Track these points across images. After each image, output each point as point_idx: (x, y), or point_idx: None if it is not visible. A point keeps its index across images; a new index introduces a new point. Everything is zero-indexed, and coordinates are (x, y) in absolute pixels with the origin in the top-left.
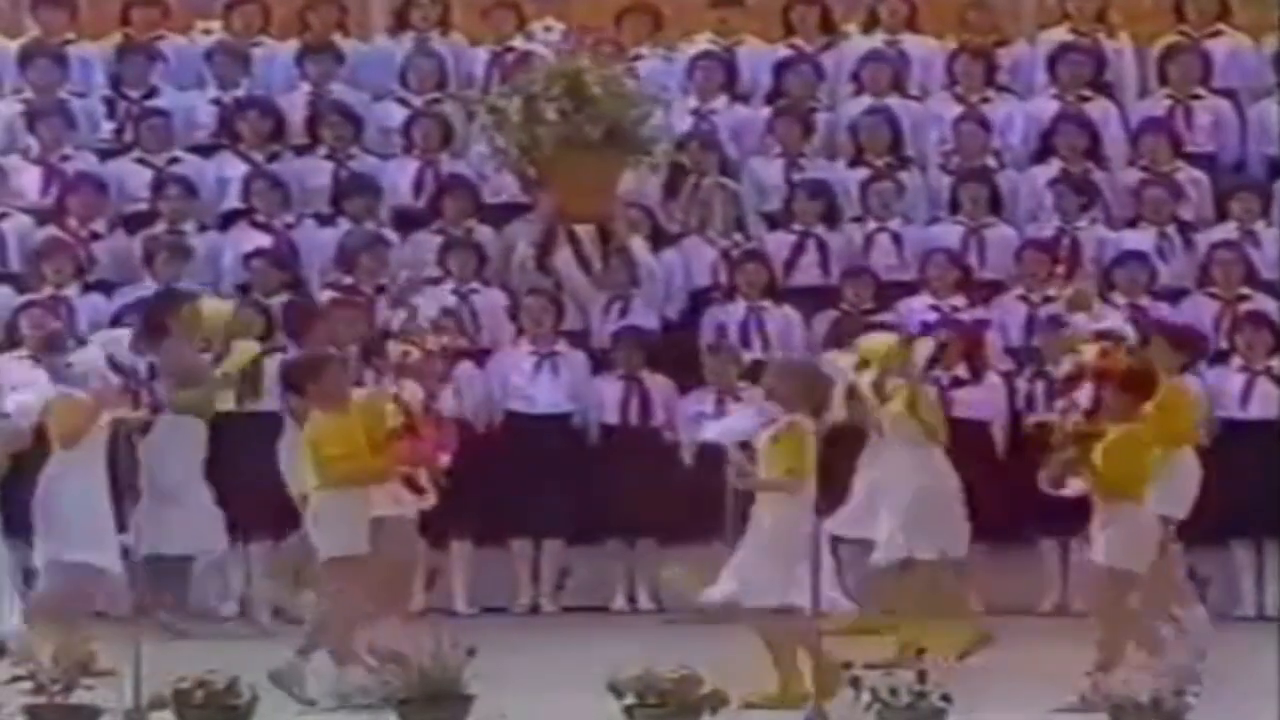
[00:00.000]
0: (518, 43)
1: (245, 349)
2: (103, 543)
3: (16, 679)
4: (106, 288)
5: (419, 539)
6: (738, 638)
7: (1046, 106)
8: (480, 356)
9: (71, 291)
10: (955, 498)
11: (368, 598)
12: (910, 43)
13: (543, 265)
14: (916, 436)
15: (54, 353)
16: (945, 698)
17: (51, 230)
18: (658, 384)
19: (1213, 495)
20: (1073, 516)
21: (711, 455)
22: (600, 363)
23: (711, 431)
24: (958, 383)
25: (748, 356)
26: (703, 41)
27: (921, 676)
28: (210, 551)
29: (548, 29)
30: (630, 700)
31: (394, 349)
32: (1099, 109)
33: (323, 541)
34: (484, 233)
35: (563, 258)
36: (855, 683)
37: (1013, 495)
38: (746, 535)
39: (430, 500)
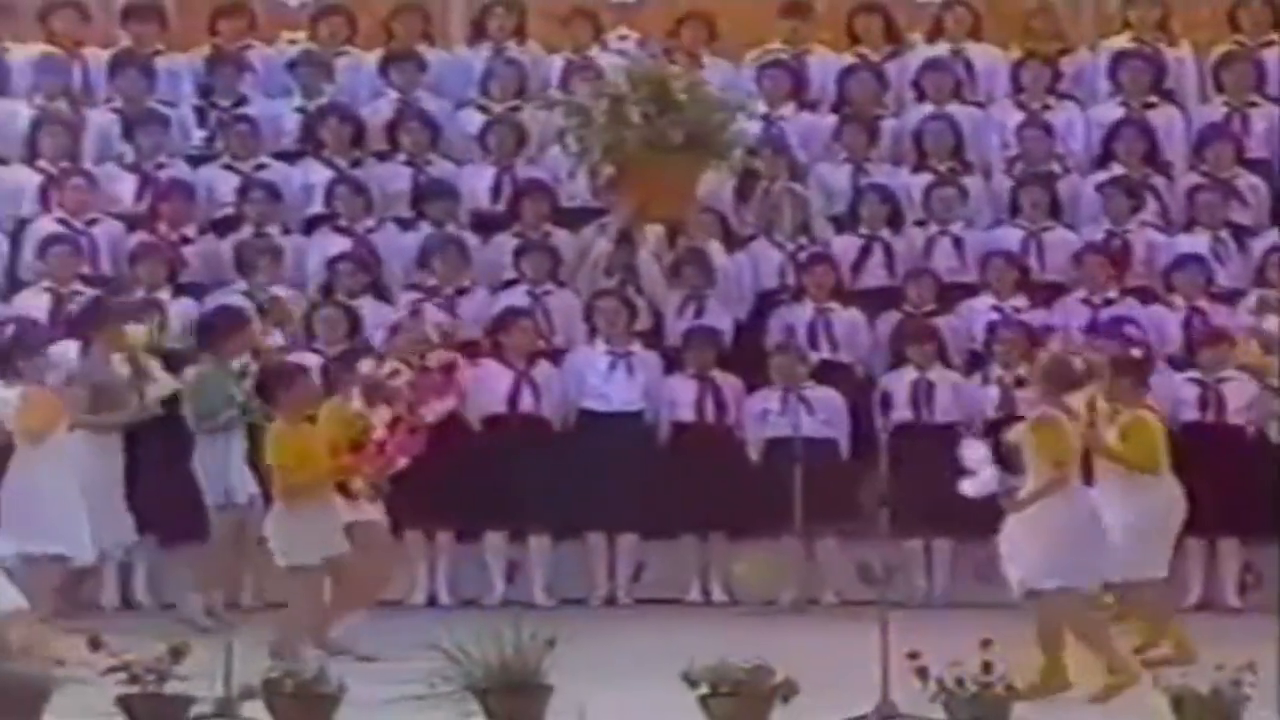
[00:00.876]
0: (594, 51)
1: (166, 385)
2: (75, 534)
3: (112, 670)
4: (197, 290)
5: (390, 540)
6: (809, 630)
7: (1108, 113)
8: (556, 356)
9: (164, 294)
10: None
11: (337, 597)
12: (974, 50)
13: (615, 266)
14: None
15: (32, 354)
16: (1010, 689)
17: (143, 235)
18: (729, 383)
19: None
20: None
21: (780, 453)
22: (673, 362)
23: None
24: (1022, 383)
25: (814, 357)
26: (773, 49)
27: (987, 667)
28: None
29: (622, 37)
30: (704, 690)
31: (370, 365)
32: (1161, 115)
33: (277, 550)
34: (559, 236)
35: (642, 258)
36: (922, 672)
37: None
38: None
39: (369, 507)
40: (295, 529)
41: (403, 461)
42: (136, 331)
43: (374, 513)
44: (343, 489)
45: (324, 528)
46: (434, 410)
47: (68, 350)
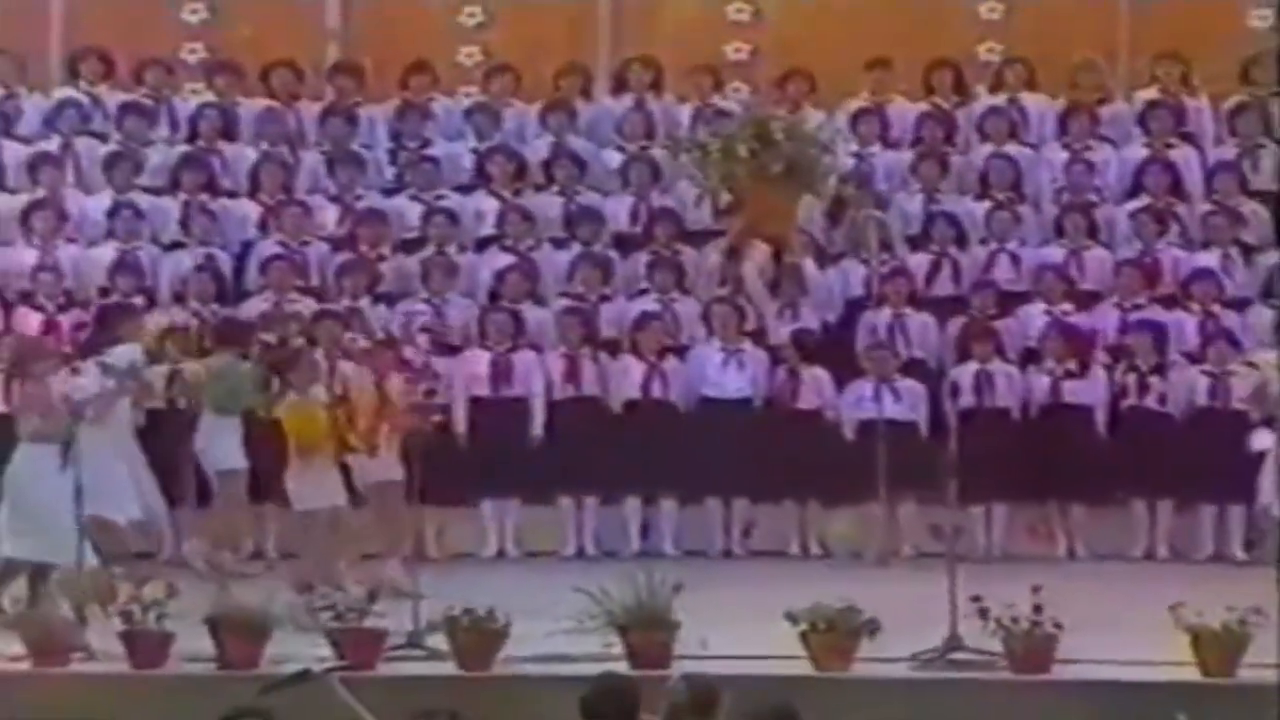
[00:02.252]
0: (716, 99)
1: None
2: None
3: (323, 608)
4: (389, 299)
5: (403, 500)
6: (889, 579)
7: (1138, 152)
8: (681, 352)
9: (363, 302)
10: None
11: (360, 543)
12: (1028, 100)
13: (729, 277)
14: None
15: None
16: (1057, 625)
17: (347, 254)
18: (821, 376)
19: None
20: (1155, 482)
21: (869, 432)
22: (773, 356)
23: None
24: (1069, 375)
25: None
26: (861, 99)
27: (1037, 609)
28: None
29: (736, 89)
30: (804, 627)
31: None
32: (1181, 155)
33: (294, 498)
34: (685, 253)
35: (749, 270)
36: (984, 613)
37: (1110, 464)
38: None
39: (389, 468)
40: (304, 481)
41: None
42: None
43: (394, 474)
44: (343, 444)
45: (326, 481)
46: (397, 386)
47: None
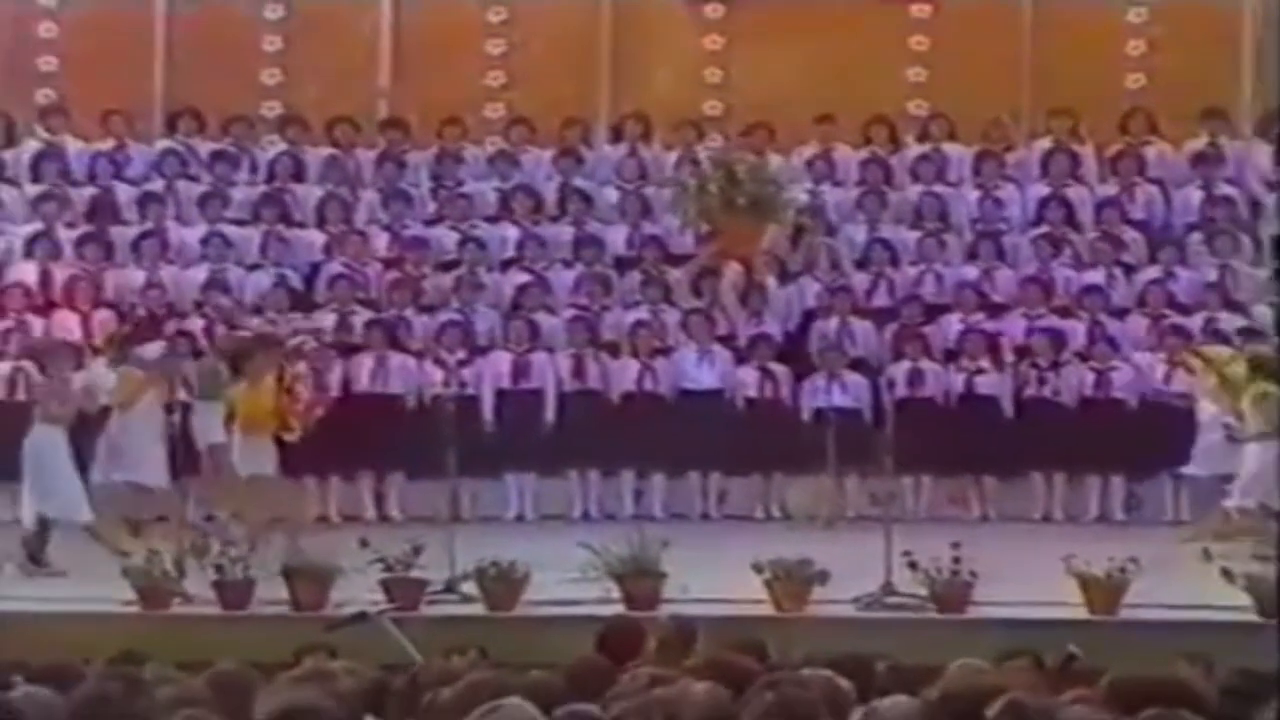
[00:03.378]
0: (696, 148)
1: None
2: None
3: (374, 561)
4: (430, 309)
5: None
6: (837, 537)
7: (1038, 191)
8: (667, 353)
9: (409, 312)
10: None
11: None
12: (949, 148)
13: (701, 291)
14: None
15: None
16: (973, 574)
17: (395, 273)
18: (782, 372)
19: None
20: (1051, 458)
21: (819, 418)
22: (742, 357)
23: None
24: (981, 371)
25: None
26: (813, 147)
27: (956, 560)
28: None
29: (713, 139)
30: (767, 576)
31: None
32: (1074, 193)
33: (240, 466)
34: (671, 273)
35: (724, 286)
36: (913, 565)
37: (1015, 443)
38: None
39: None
40: (248, 451)
41: (319, 411)
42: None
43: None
44: (284, 425)
45: (264, 453)
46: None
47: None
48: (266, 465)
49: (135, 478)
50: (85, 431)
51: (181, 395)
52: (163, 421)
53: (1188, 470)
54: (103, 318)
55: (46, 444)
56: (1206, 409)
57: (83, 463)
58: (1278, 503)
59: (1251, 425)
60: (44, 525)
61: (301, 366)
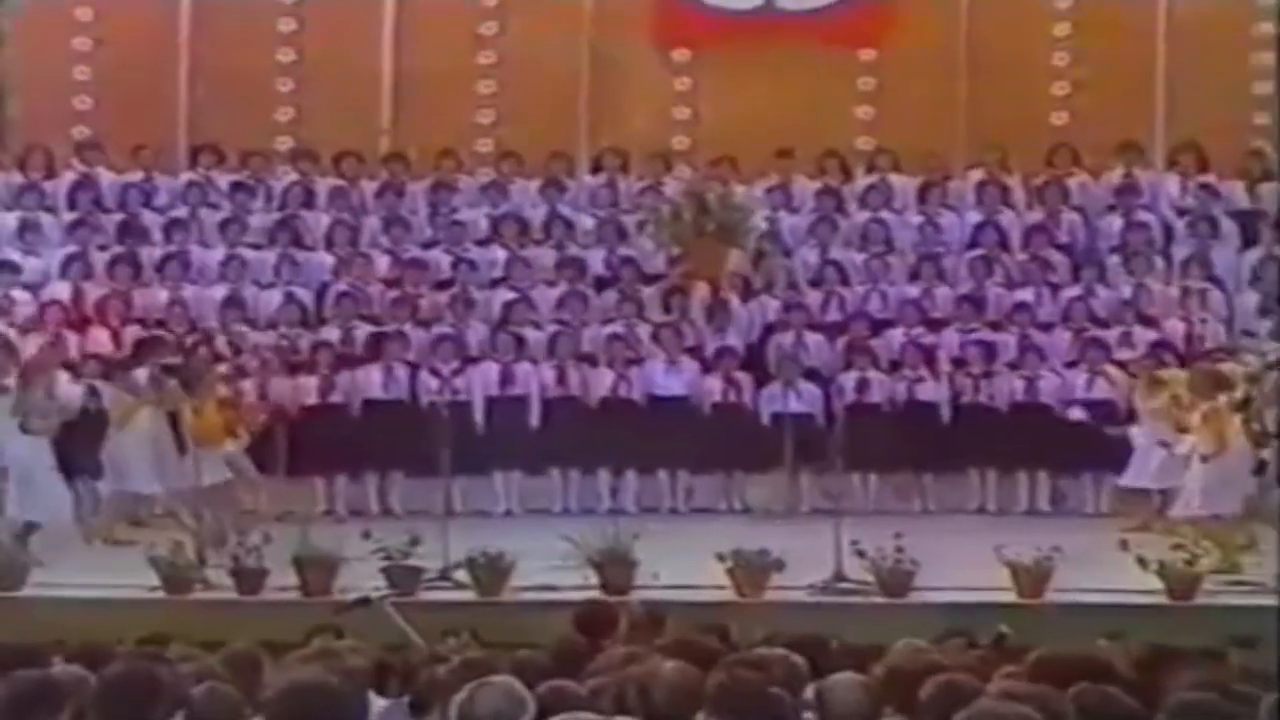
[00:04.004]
0: (666, 179)
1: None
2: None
3: (376, 551)
4: (427, 324)
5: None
6: (793, 529)
7: (973, 218)
8: (641, 362)
9: (408, 326)
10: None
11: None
12: (894, 180)
13: (671, 307)
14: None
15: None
16: (914, 562)
17: (395, 291)
18: (743, 380)
19: None
20: (985, 457)
21: (777, 421)
22: (707, 367)
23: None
24: (921, 380)
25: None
26: (772, 178)
27: (899, 550)
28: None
29: (681, 169)
30: (729, 564)
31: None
32: (1005, 218)
33: (206, 478)
34: (645, 291)
35: (694, 303)
36: (861, 554)
37: (952, 444)
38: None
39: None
40: (206, 463)
41: (262, 417)
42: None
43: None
44: (231, 431)
45: (217, 462)
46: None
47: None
48: (222, 473)
49: (131, 487)
50: (85, 443)
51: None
52: (167, 433)
53: (1127, 482)
54: (132, 332)
55: (30, 454)
56: (1150, 426)
57: (73, 469)
58: (1231, 509)
59: (1202, 441)
60: (29, 527)
61: (246, 383)
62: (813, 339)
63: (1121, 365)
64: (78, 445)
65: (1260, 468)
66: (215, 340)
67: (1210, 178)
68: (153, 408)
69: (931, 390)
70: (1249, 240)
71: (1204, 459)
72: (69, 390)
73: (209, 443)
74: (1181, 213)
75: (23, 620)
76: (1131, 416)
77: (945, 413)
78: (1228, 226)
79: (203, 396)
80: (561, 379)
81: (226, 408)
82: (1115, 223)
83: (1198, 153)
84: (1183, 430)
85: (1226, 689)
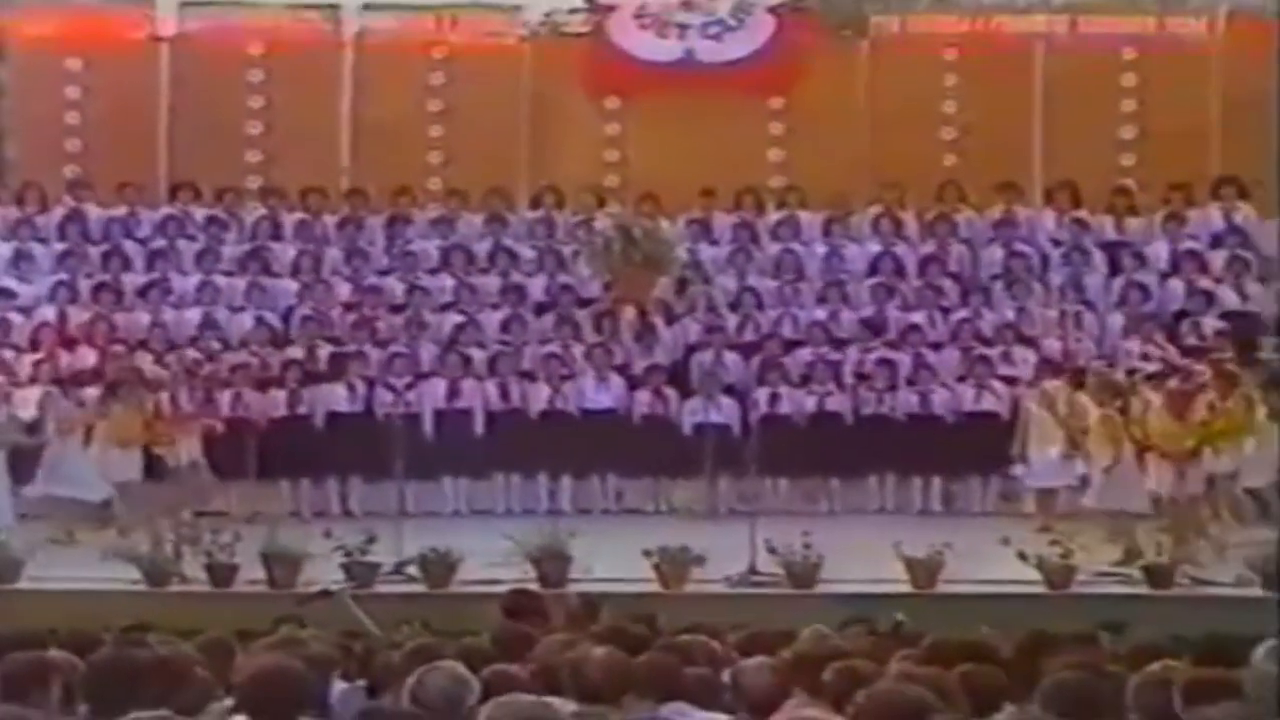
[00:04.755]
0: (598, 214)
1: None
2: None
3: (336, 548)
4: (384, 344)
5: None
6: (713, 527)
7: (873, 249)
8: (575, 378)
9: (366, 346)
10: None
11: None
12: (803, 215)
13: (603, 329)
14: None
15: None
16: (820, 556)
17: (355, 315)
18: (669, 394)
19: None
20: (885, 463)
21: (699, 432)
22: (635, 382)
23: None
24: (828, 394)
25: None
26: (694, 213)
27: (807, 546)
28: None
29: (611, 206)
30: (656, 560)
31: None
32: (901, 249)
33: (113, 475)
34: (580, 314)
35: (624, 325)
36: (772, 550)
37: (855, 450)
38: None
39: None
40: (119, 461)
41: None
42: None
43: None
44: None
45: (130, 463)
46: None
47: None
48: (132, 473)
49: (73, 493)
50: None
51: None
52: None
53: (1032, 482)
54: (115, 351)
55: None
56: (1046, 432)
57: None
58: (1135, 506)
59: (1099, 452)
60: None
61: (177, 394)
62: (730, 357)
63: (1008, 380)
64: (22, 454)
65: None
66: (186, 355)
67: (1082, 213)
68: (99, 421)
69: (837, 403)
70: (1115, 268)
71: (1106, 470)
72: (24, 407)
73: (124, 443)
74: (1056, 244)
75: (18, 610)
76: (1012, 425)
77: (849, 422)
78: (1097, 256)
79: (127, 403)
80: (504, 393)
81: (153, 418)
82: (998, 253)
83: (1071, 191)
84: (1076, 437)
85: (1098, 669)
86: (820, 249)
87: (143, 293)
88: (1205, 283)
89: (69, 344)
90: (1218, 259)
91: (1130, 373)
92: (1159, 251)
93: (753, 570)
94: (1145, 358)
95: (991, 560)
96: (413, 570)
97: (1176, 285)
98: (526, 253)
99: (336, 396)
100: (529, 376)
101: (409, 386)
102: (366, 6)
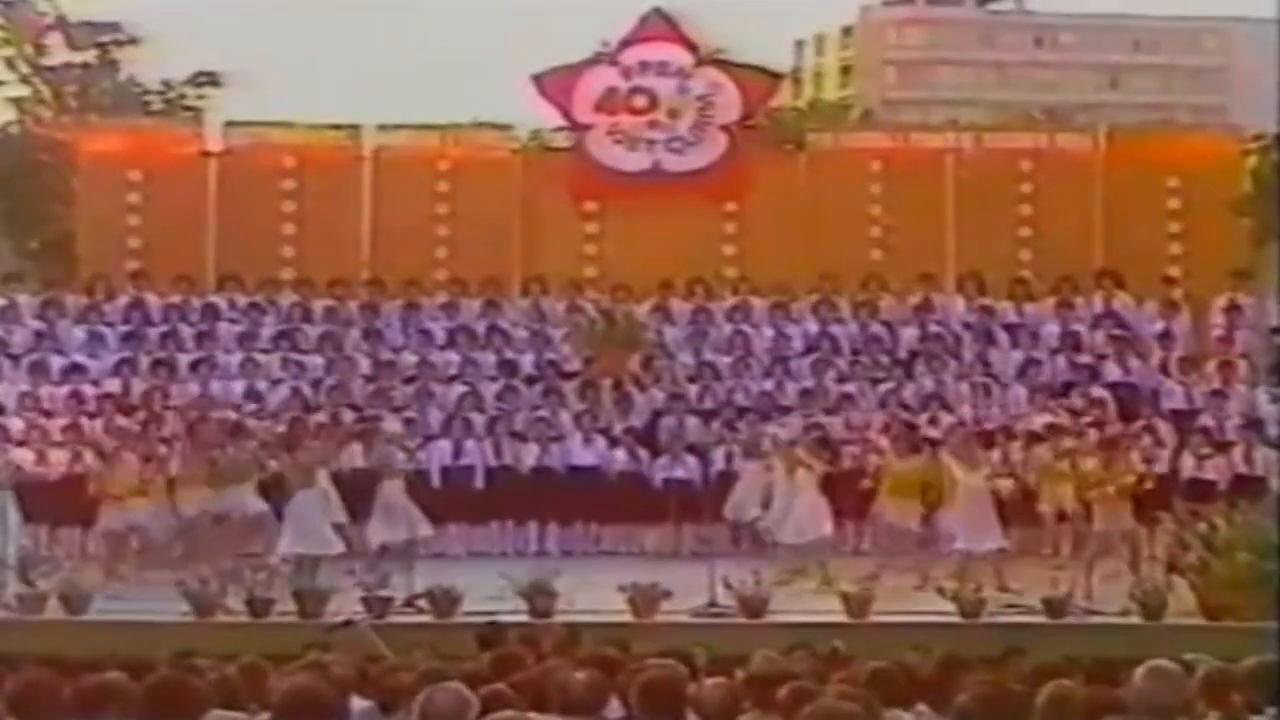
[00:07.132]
0: (579, 300)
1: None
2: None
3: (357, 584)
4: (399, 409)
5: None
6: (681, 567)
7: (812, 327)
8: (562, 439)
9: (383, 412)
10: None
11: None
12: (754, 301)
13: (586, 397)
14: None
15: None
16: (767, 591)
17: (375, 385)
18: (642, 453)
19: None
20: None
21: (667, 484)
22: (613, 442)
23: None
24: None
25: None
26: (657, 299)
27: (758, 582)
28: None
29: (590, 293)
30: (630, 594)
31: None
32: (837, 329)
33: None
34: (565, 385)
35: (603, 395)
36: (728, 585)
37: None
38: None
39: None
40: None
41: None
42: None
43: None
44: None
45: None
46: None
47: None
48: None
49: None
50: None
51: None
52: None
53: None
54: (169, 417)
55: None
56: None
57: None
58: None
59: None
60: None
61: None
62: (692, 422)
63: (932, 443)
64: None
65: None
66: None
67: (987, 299)
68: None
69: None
70: (1015, 345)
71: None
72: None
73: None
74: (966, 325)
75: (85, 638)
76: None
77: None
78: (1002, 337)
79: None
80: (499, 452)
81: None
82: (915, 334)
83: (978, 280)
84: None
85: (1004, 688)
86: (768, 330)
87: (194, 367)
88: (1087, 358)
89: (128, 411)
90: (1099, 338)
91: (1031, 433)
92: (1051, 331)
93: (711, 603)
94: (1049, 421)
95: (914, 595)
96: (422, 604)
97: (1063, 360)
98: (519, 333)
99: (357, 455)
100: (521, 438)
101: (419, 447)
102: (383, 127)
